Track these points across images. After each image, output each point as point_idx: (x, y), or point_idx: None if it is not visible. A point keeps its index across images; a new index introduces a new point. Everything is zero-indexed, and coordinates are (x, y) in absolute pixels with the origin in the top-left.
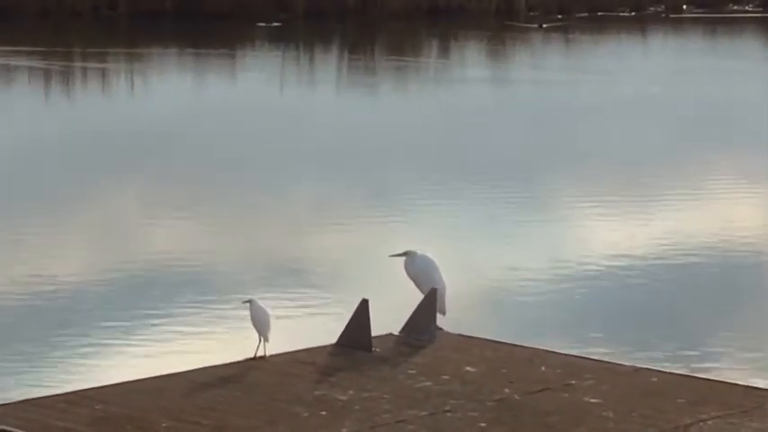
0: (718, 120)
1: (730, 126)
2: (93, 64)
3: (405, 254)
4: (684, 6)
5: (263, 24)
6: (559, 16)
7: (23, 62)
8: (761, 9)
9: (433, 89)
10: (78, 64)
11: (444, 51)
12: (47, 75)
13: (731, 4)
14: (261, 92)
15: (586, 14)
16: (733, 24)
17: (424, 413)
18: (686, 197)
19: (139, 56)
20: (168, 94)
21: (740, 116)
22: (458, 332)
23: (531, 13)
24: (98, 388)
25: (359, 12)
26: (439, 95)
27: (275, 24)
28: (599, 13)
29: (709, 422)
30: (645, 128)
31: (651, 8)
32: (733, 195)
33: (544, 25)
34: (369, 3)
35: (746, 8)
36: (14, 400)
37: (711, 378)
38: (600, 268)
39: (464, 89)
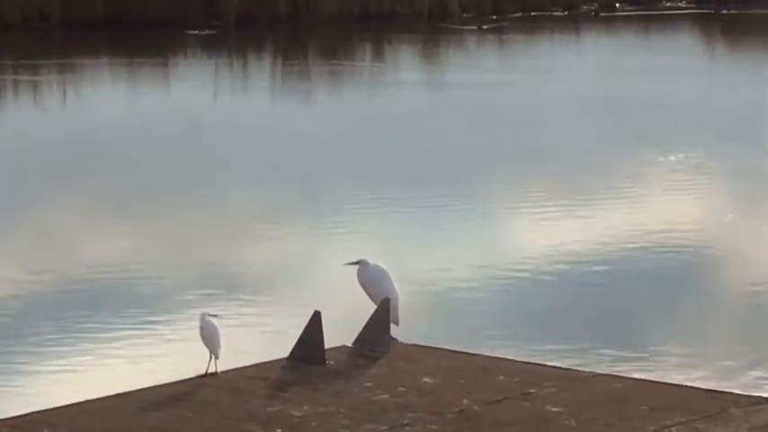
0: (652, 117)
1: (665, 123)
2: (24, 76)
3: (358, 263)
4: (617, 4)
5: (195, 32)
6: (494, 17)
7: None
8: (694, 5)
9: (368, 94)
10: (10, 76)
11: (378, 55)
12: None
13: (664, 1)
14: (194, 101)
15: (520, 14)
16: (666, 21)
17: (382, 427)
18: (625, 196)
19: (72, 66)
20: (101, 105)
21: (674, 112)
22: (412, 342)
23: (465, 15)
24: (44, 411)
25: (291, 18)
26: (374, 100)
27: (207, 32)
28: (532, 13)
29: (674, 428)
30: (581, 127)
31: (584, 7)
32: (671, 193)
33: (483, 27)
34: (300, 9)
35: (680, 4)
36: None
37: (673, 383)
38: (548, 270)
39: (400, 93)
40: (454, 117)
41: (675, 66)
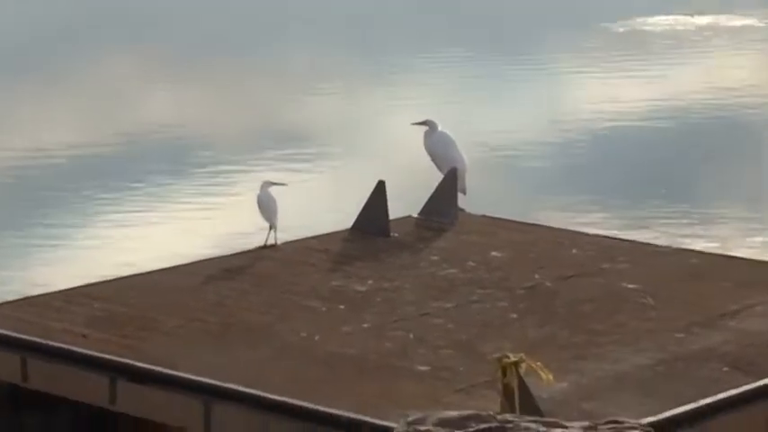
0: None
1: None
2: None
3: (425, 123)
4: None
5: None
6: None
7: None
8: None
9: None
10: None
11: None
12: None
13: None
14: None
15: None
16: None
17: (449, 305)
18: (679, 59)
19: None
20: None
21: None
22: (481, 213)
23: None
24: (95, 284)
25: None
26: None
27: None
28: None
29: (758, 308)
30: None
31: None
32: (724, 57)
33: None
34: None
35: None
36: (7, 300)
37: (753, 258)
38: (616, 131)
39: None
40: None
41: None
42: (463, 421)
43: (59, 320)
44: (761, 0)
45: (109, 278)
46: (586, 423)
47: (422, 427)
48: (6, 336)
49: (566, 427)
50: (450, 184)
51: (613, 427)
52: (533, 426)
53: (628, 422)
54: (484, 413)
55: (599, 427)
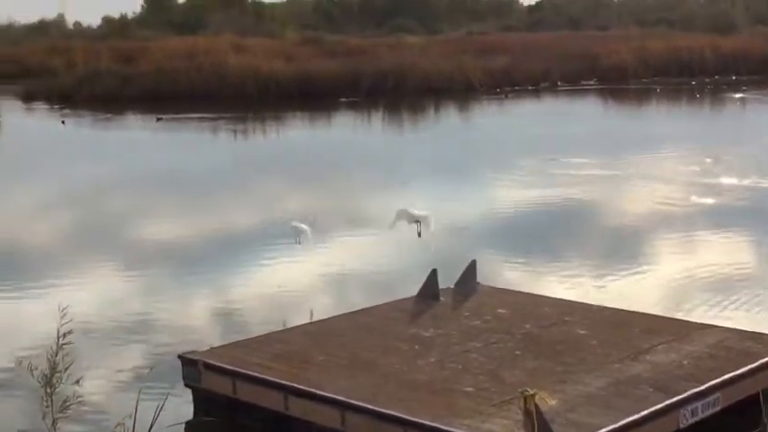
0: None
1: None
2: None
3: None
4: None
5: (344, 99)
6: (497, 89)
7: None
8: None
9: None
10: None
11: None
12: None
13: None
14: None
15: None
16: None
17: (479, 344)
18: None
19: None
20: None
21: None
22: (489, 284)
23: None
24: (278, 332)
25: (393, 90)
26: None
27: (351, 99)
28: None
29: (660, 347)
30: None
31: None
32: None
33: (508, 95)
34: (398, 85)
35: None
36: (224, 344)
37: (657, 314)
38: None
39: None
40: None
41: None
42: None
43: (256, 357)
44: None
45: (286, 328)
46: None
47: None
48: (221, 367)
49: None
50: (472, 269)
51: None
52: None
53: None
54: None
55: None
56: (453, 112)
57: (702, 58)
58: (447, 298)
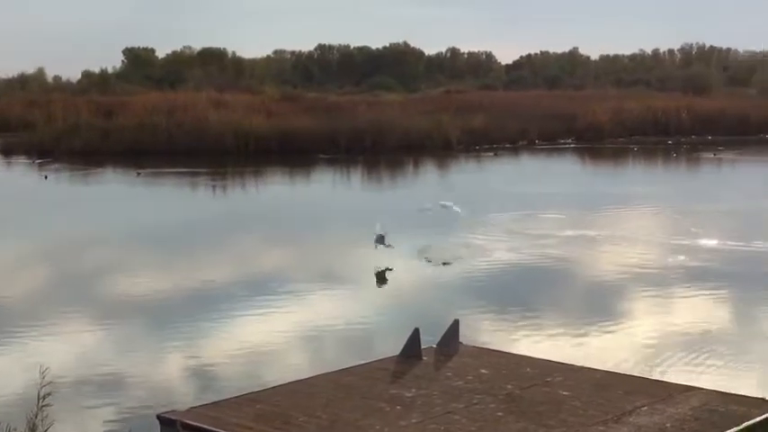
0: None
1: None
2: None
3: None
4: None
5: (323, 156)
6: (476, 147)
7: None
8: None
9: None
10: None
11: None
12: None
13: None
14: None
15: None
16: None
17: (461, 405)
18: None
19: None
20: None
21: None
22: (472, 344)
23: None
24: (259, 391)
25: (372, 148)
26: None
27: (330, 156)
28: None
29: (643, 408)
30: None
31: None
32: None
33: (497, 153)
34: (376, 143)
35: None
36: (204, 404)
37: (637, 375)
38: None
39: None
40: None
41: None
42: None
43: (236, 417)
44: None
45: (265, 388)
46: None
47: None
48: (200, 427)
49: None
50: (455, 328)
51: None
52: None
53: None
54: None
55: None
56: (431, 169)
57: (678, 118)
58: (429, 357)
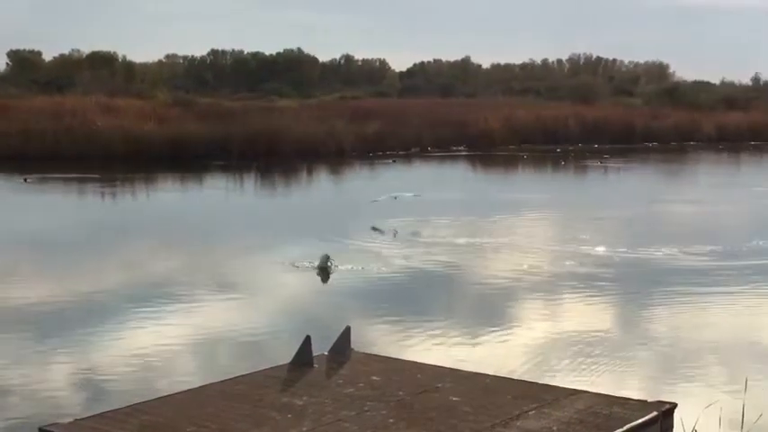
0: None
1: None
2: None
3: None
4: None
5: (217, 162)
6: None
7: None
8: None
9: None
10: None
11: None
12: None
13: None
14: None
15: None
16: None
17: (352, 413)
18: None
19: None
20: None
21: None
22: (363, 351)
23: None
24: (146, 402)
25: (267, 154)
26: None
27: (222, 162)
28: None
29: (531, 413)
30: None
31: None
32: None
33: (395, 160)
34: (272, 148)
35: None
36: (86, 416)
37: (524, 380)
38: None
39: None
40: None
41: None
42: None
43: (122, 429)
44: None
45: (152, 398)
46: None
47: None
48: None
49: None
50: (346, 335)
51: None
52: None
53: None
54: None
55: None
56: (324, 176)
57: (567, 126)
58: (321, 365)
